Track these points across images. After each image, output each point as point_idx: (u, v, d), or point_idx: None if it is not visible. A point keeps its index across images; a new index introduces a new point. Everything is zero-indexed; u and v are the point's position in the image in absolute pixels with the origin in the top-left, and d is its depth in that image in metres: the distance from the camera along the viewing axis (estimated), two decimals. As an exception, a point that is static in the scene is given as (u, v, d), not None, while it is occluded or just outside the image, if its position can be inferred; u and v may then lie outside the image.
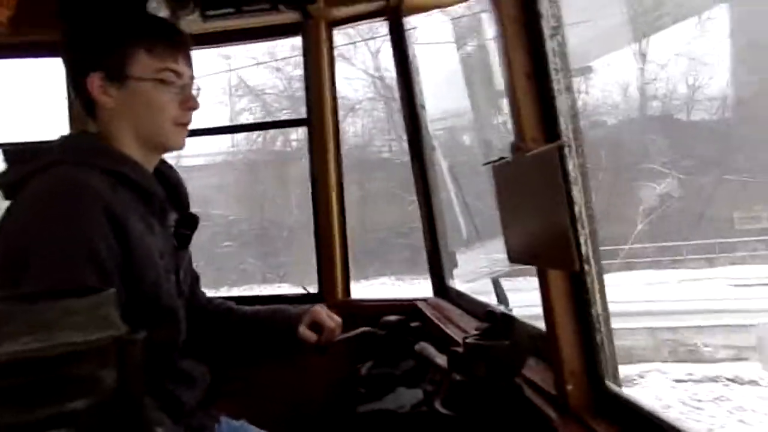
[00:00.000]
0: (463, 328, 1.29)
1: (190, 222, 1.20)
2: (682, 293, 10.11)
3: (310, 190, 1.85)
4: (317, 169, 1.83)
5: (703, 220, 11.93)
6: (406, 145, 1.81)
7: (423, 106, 1.77)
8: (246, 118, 13.30)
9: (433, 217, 1.80)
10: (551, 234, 0.71)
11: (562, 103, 0.72)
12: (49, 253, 0.92)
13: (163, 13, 1.84)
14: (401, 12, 1.73)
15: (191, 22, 1.77)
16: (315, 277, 1.87)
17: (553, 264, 0.73)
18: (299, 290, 1.92)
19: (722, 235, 11.49)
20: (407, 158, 1.81)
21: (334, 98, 1.85)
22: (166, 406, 1.04)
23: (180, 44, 1.13)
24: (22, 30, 1.77)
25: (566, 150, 0.71)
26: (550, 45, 0.70)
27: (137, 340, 0.53)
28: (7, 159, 1.05)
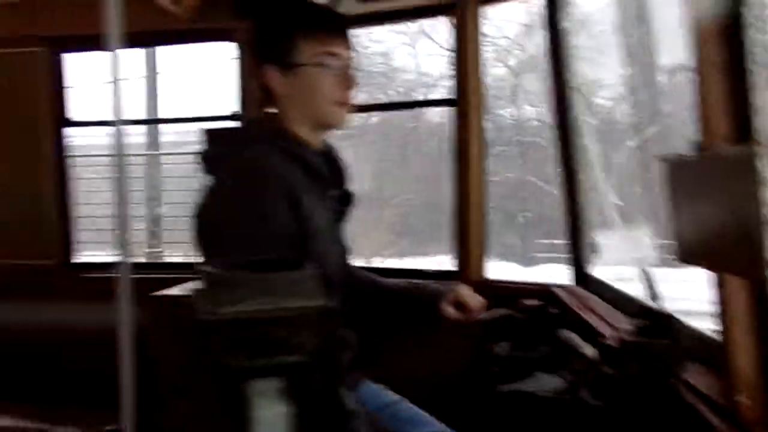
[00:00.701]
0: (608, 321, 1.26)
1: (348, 199, 1.30)
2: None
3: (454, 169, 1.88)
4: (462, 149, 1.85)
5: None
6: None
7: (573, 88, 1.71)
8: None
9: (576, 202, 1.75)
10: (735, 238, 0.68)
11: (761, 98, 0.66)
12: (238, 230, 1.05)
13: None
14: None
15: (349, 5, 1.86)
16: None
17: (735, 270, 0.69)
18: (437, 266, 1.98)
19: None
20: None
21: (482, 79, 1.85)
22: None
23: (337, 28, 1.21)
24: (202, 17, 1.99)
25: (762, 150, 0.66)
26: (752, 35, 0.65)
27: (337, 311, 0.61)
28: (207, 138, 1.21)
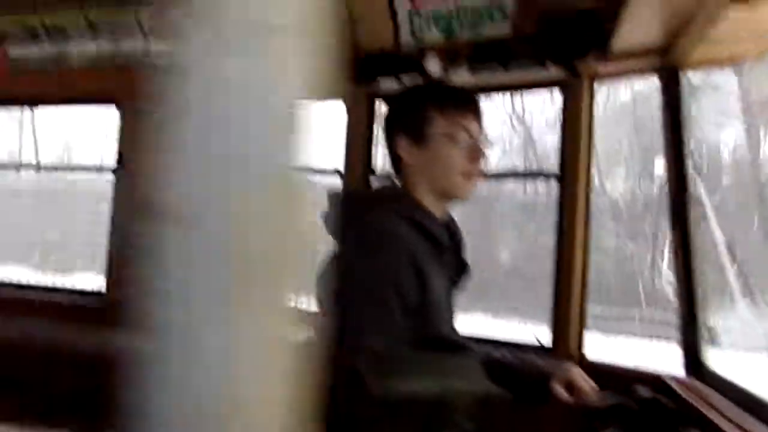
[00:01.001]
0: (741, 426, 1.16)
1: (463, 269, 1.30)
2: None
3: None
4: (565, 223, 1.82)
5: None
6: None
7: (695, 172, 1.66)
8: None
9: (693, 285, 1.66)
10: None
11: None
12: (365, 295, 1.07)
13: (436, 66, 2.04)
14: (679, 69, 1.65)
15: (461, 76, 1.93)
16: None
17: None
18: (530, 338, 1.92)
19: None
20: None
21: (590, 155, 1.84)
22: None
23: (469, 104, 1.25)
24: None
25: None
26: None
27: (506, 400, 0.61)
28: (332, 202, 1.27)
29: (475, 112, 1.26)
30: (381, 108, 2.21)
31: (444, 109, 1.23)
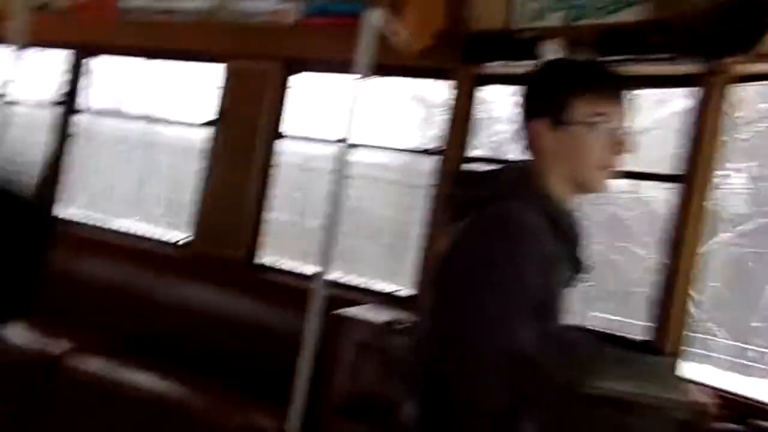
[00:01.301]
0: None
1: (580, 266, 1.22)
2: None
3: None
4: (683, 227, 1.72)
5: None
6: None
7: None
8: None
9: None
10: None
11: None
12: (489, 286, 1.01)
13: (554, 52, 1.93)
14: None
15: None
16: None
17: None
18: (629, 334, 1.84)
19: None
20: None
21: (716, 159, 1.72)
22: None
23: (619, 90, 1.16)
24: (426, 56, 2.07)
25: None
26: None
27: (709, 413, 0.56)
28: (458, 181, 1.21)
29: (621, 99, 1.17)
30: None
31: (591, 92, 1.14)
